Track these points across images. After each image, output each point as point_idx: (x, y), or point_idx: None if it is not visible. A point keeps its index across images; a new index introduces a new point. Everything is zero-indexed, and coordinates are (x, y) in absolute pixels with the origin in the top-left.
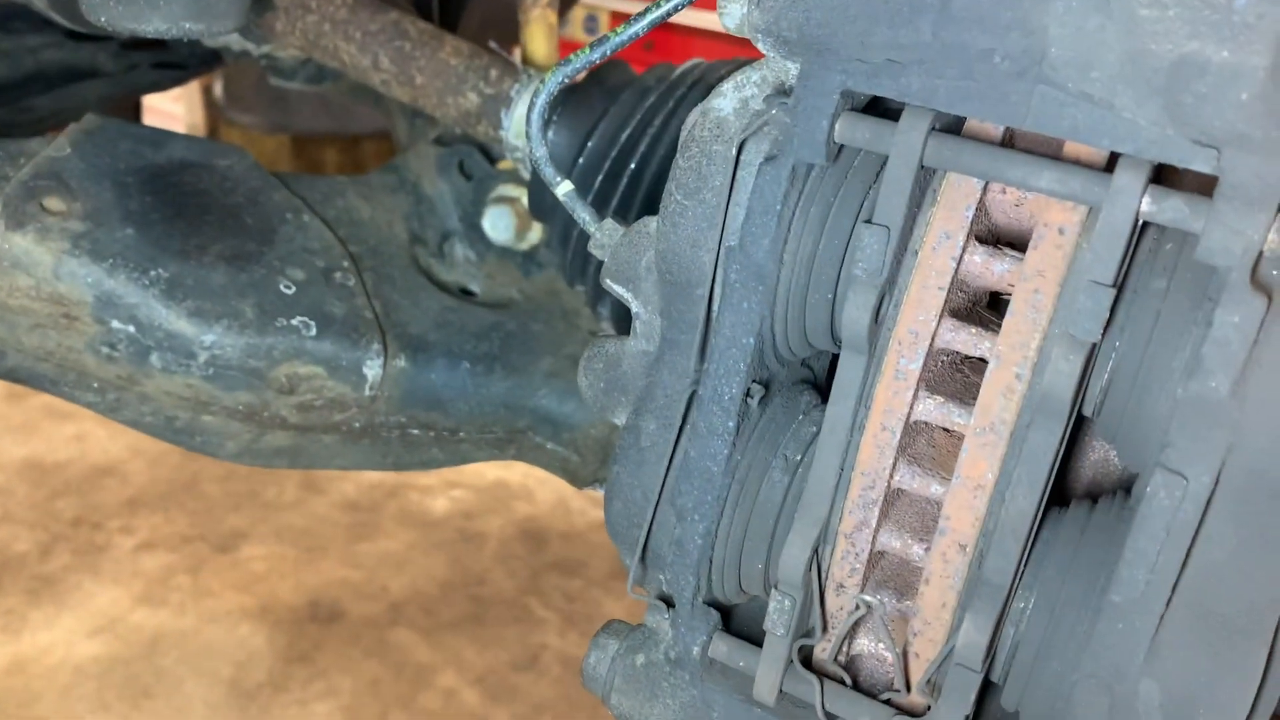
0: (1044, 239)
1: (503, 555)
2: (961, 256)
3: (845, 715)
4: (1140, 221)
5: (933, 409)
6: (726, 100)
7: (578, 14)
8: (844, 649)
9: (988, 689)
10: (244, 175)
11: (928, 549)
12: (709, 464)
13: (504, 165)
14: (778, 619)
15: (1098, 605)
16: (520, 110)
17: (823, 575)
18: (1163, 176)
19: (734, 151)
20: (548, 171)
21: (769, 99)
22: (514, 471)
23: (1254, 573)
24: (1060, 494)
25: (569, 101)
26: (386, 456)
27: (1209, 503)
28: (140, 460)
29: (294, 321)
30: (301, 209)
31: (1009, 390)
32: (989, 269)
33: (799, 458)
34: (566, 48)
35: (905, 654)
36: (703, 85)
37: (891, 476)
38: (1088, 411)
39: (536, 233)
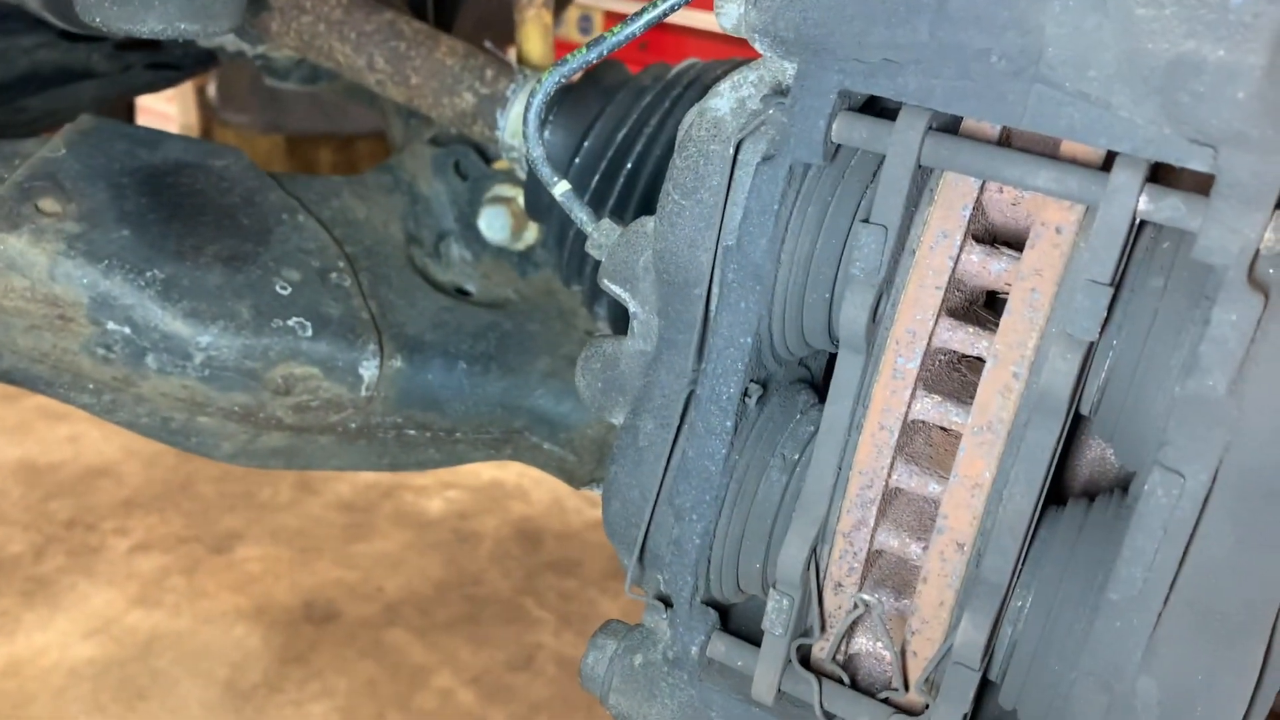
0: (1041, 238)
1: (498, 555)
2: (959, 256)
3: (844, 714)
4: (1137, 220)
5: (930, 408)
6: (723, 100)
7: (572, 14)
8: (842, 648)
9: (986, 687)
10: (239, 176)
11: (925, 548)
12: (707, 463)
13: (500, 165)
14: (776, 618)
15: (1095, 603)
16: (516, 110)
17: (821, 574)
18: (1160, 175)
19: (731, 151)
20: (544, 171)
21: (766, 99)
22: (509, 471)
23: (1251, 570)
24: (1057, 492)
25: (565, 101)
26: (383, 457)
27: (1206, 501)
28: (135, 461)
29: (290, 322)
30: (297, 209)
31: (1006, 389)
32: (986, 268)
33: (797, 457)
34: (562, 48)
35: (903, 653)
36: (699, 85)
37: (889, 476)
38: (1085, 410)
39: (532, 232)
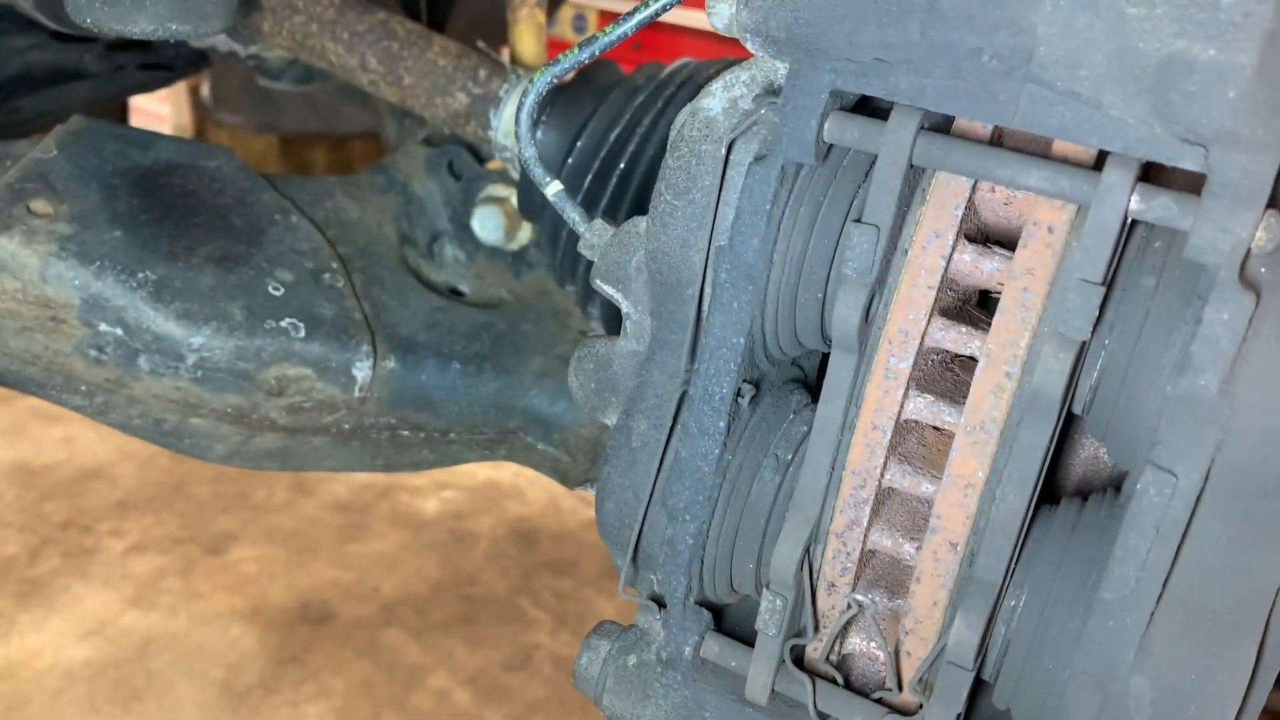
0: (1033, 237)
1: (494, 555)
2: (951, 255)
3: (838, 714)
4: (1129, 220)
5: (923, 408)
6: (715, 100)
7: (566, 13)
8: (836, 648)
9: (979, 687)
10: (232, 176)
11: (919, 548)
12: (700, 464)
13: (493, 165)
14: (769, 618)
15: (1089, 603)
16: (509, 110)
17: (814, 575)
18: (1151, 175)
19: (723, 151)
20: (537, 171)
21: (758, 98)
22: (505, 472)
23: (1244, 569)
24: (1050, 492)
25: (558, 101)
26: (376, 458)
27: (1199, 500)
28: (129, 463)
29: (283, 323)
30: (290, 210)
31: (999, 388)
32: (978, 268)
33: (790, 457)
34: (555, 47)
35: (897, 653)
36: (691, 85)
37: (882, 475)
38: (1077, 409)
39: (526, 233)
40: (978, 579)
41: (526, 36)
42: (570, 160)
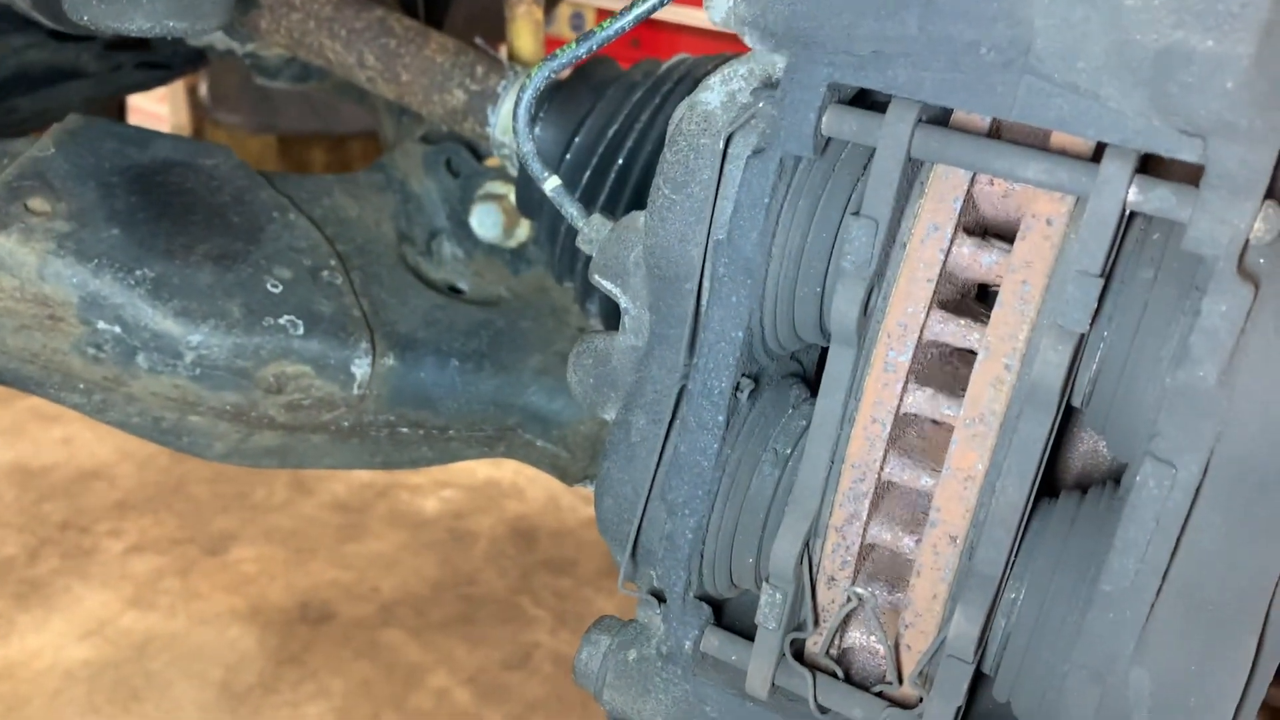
0: (1032, 230)
1: (493, 554)
2: (950, 248)
3: (838, 708)
4: (1127, 211)
5: (922, 401)
6: (713, 94)
7: (563, 11)
8: (836, 642)
9: (980, 680)
10: (230, 174)
11: (918, 541)
12: (699, 458)
13: (491, 162)
14: (769, 612)
15: (1088, 595)
16: (507, 107)
17: (814, 568)
18: (1150, 167)
19: (721, 145)
20: (535, 166)
21: (756, 92)
22: (504, 470)
23: (1243, 561)
24: (1050, 485)
25: (555, 98)
26: (376, 455)
27: (1198, 492)
28: (128, 463)
29: (281, 320)
30: (288, 208)
31: (998, 381)
32: (977, 260)
33: (789, 451)
34: (553, 45)
35: (897, 646)
36: (689, 80)
37: (882, 469)
38: (1076, 402)
39: (524, 230)
40: (977, 572)
41: (524, 33)
42: (568, 156)
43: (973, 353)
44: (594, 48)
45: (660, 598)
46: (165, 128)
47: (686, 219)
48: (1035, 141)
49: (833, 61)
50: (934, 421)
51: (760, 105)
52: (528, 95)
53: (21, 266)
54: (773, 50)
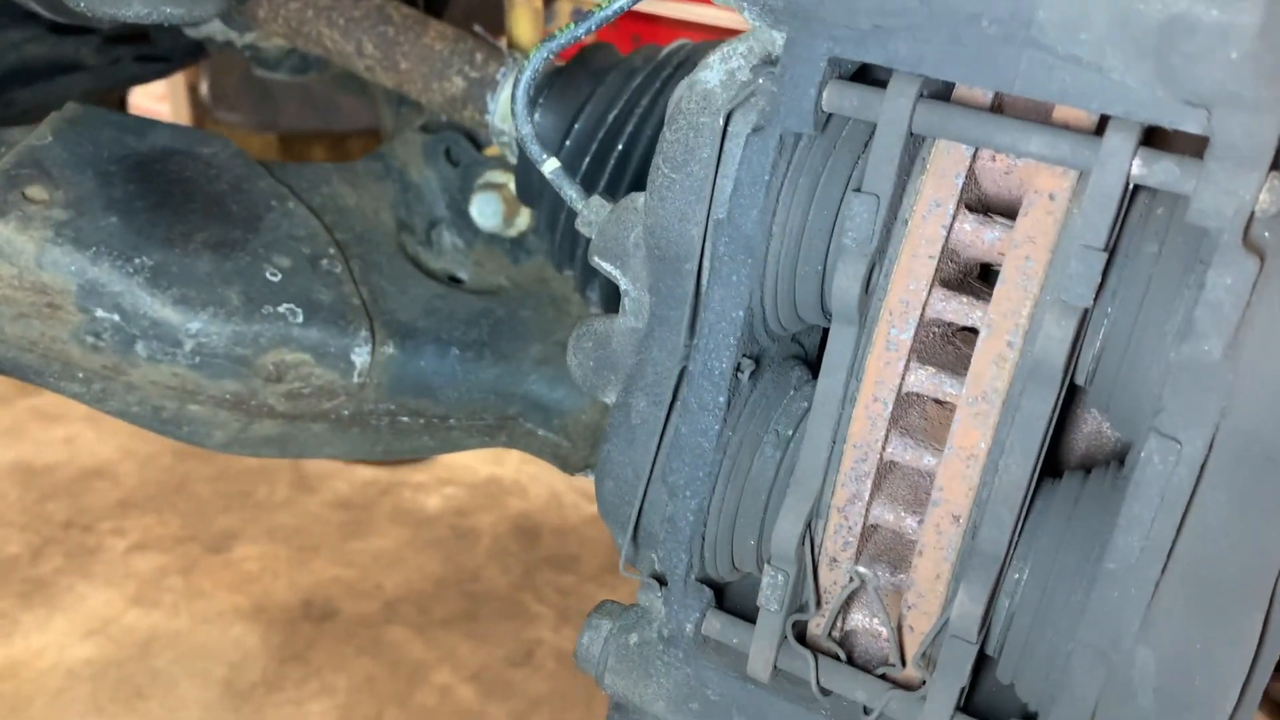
0: (1034, 205)
1: (496, 551)
2: (952, 224)
3: (840, 690)
4: (1131, 185)
5: (925, 380)
6: (713, 72)
7: (564, 8)
8: (838, 624)
9: (984, 662)
10: (228, 163)
11: (921, 521)
12: (700, 440)
13: (491, 151)
14: (771, 594)
15: (1093, 574)
16: (506, 94)
17: (816, 550)
18: (1154, 141)
19: (721, 123)
20: (533, 149)
21: (756, 69)
22: (507, 468)
23: (1249, 538)
24: (1054, 467)
25: (555, 84)
26: (376, 444)
27: (1203, 468)
28: (131, 462)
29: (280, 308)
30: (287, 196)
31: (1001, 358)
32: (979, 237)
33: (791, 433)
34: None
35: (900, 628)
36: (689, 65)
37: (884, 448)
38: (1080, 380)
39: (524, 219)
40: (980, 551)
41: (523, 21)
42: (568, 142)
43: (975, 332)
44: (593, 28)
45: (662, 581)
46: None
47: (686, 198)
48: (1038, 116)
49: (833, 36)
50: (937, 401)
51: (760, 82)
52: (526, 76)
53: (19, 254)
54: (772, 26)
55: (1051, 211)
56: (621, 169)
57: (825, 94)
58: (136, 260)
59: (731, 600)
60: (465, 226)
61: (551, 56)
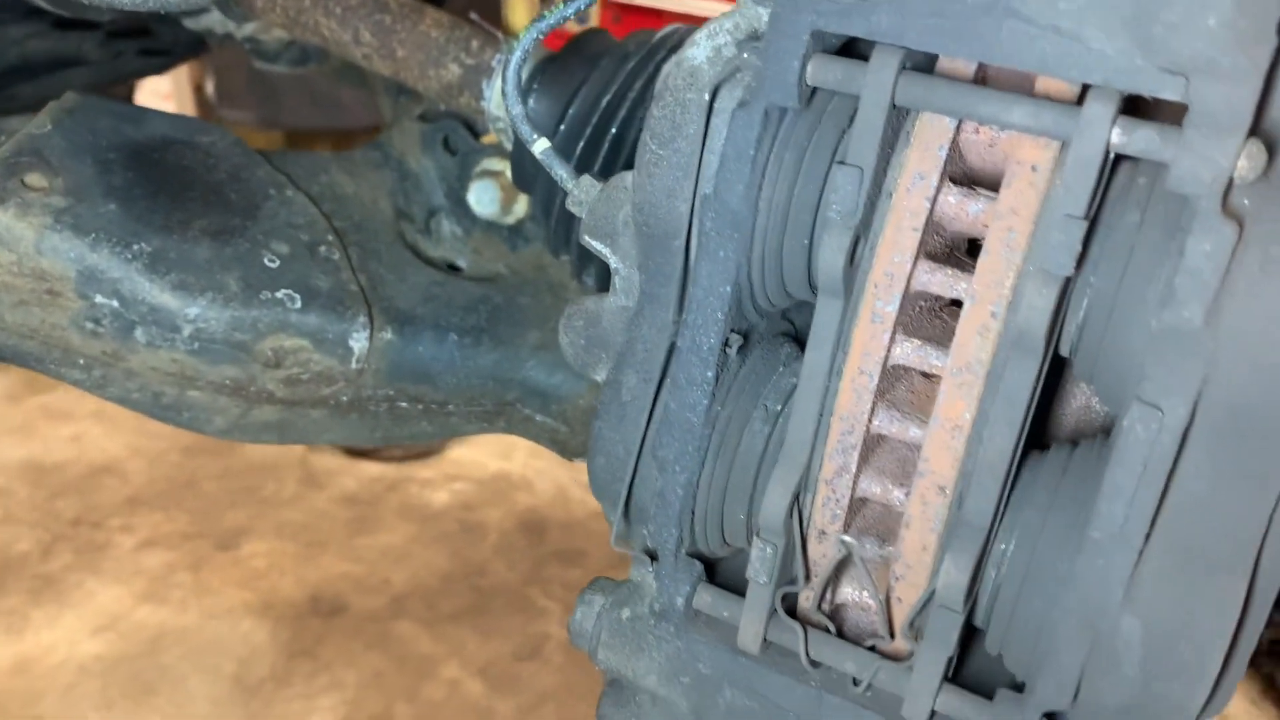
0: (1017, 176)
1: (503, 546)
2: (936, 197)
3: (830, 662)
4: (1112, 155)
5: (911, 352)
6: (700, 49)
7: None
8: (828, 597)
9: (974, 636)
10: (226, 152)
11: (908, 493)
12: (689, 415)
13: (488, 139)
14: (760, 567)
15: (1078, 544)
16: (500, 80)
17: (804, 523)
18: (1137, 112)
19: (707, 99)
20: (524, 129)
21: (741, 45)
22: (514, 463)
23: (1233, 506)
24: (1044, 442)
25: (549, 70)
26: (375, 430)
27: (1186, 435)
28: (139, 459)
29: (278, 294)
30: (285, 184)
31: (985, 329)
32: (964, 209)
33: (779, 408)
34: (559, 35)
35: (888, 600)
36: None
37: (870, 421)
38: (1065, 351)
39: (522, 206)
40: (966, 521)
41: (519, 8)
42: (562, 127)
43: (962, 304)
44: (581, 7)
45: (653, 556)
46: None
47: (674, 174)
48: (1021, 88)
49: (816, 9)
50: (924, 375)
51: (745, 57)
52: (516, 57)
53: (19, 241)
54: (758, 2)
55: (1034, 183)
56: (616, 152)
57: (809, 68)
58: (135, 246)
59: (724, 575)
60: (464, 214)
61: (540, 37)
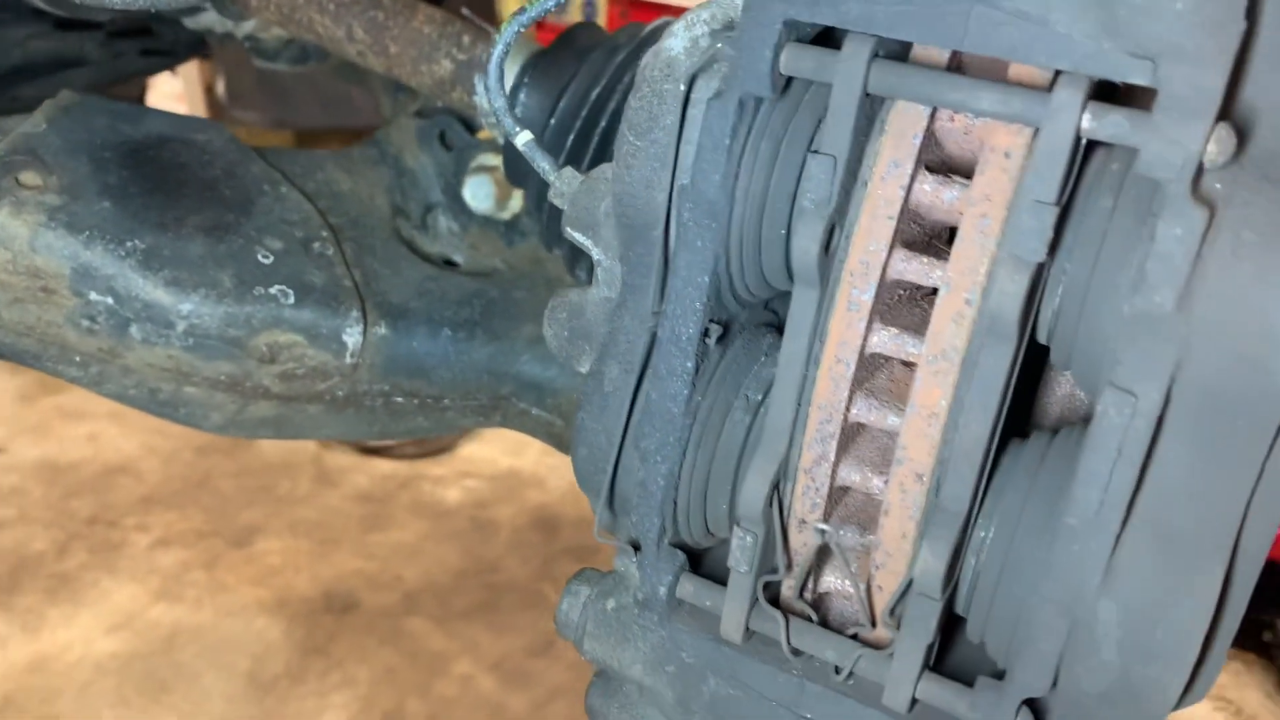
0: (990, 163)
1: (515, 543)
2: (910, 185)
3: (811, 650)
4: (1083, 140)
5: (888, 340)
6: (677, 40)
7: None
8: (810, 586)
9: (956, 624)
10: (221, 149)
11: (887, 481)
12: (670, 405)
13: (484, 135)
14: (741, 556)
15: (1056, 530)
16: None
17: (785, 512)
18: (1109, 97)
19: (684, 89)
20: (507, 121)
21: (717, 35)
22: (525, 460)
23: (1208, 489)
24: (1027, 432)
25: (539, 64)
26: (372, 425)
27: (1160, 420)
28: (154, 458)
29: (272, 290)
30: (280, 181)
31: (959, 316)
32: (939, 197)
33: (760, 398)
34: (554, 31)
35: (869, 588)
36: None
37: (848, 409)
38: (1043, 338)
39: (517, 201)
40: (943, 508)
41: (513, 5)
42: (553, 121)
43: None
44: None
45: (636, 546)
46: None
47: (651, 165)
48: (994, 75)
49: None
50: (903, 363)
51: (720, 47)
52: (498, 49)
53: (13, 239)
54: None
55: (1007, 169)
56: (605, 146)
57: (783, 57)
58: (129, 244)
59: (709, 567)
60: (460, 210)
61: (523, 29)
